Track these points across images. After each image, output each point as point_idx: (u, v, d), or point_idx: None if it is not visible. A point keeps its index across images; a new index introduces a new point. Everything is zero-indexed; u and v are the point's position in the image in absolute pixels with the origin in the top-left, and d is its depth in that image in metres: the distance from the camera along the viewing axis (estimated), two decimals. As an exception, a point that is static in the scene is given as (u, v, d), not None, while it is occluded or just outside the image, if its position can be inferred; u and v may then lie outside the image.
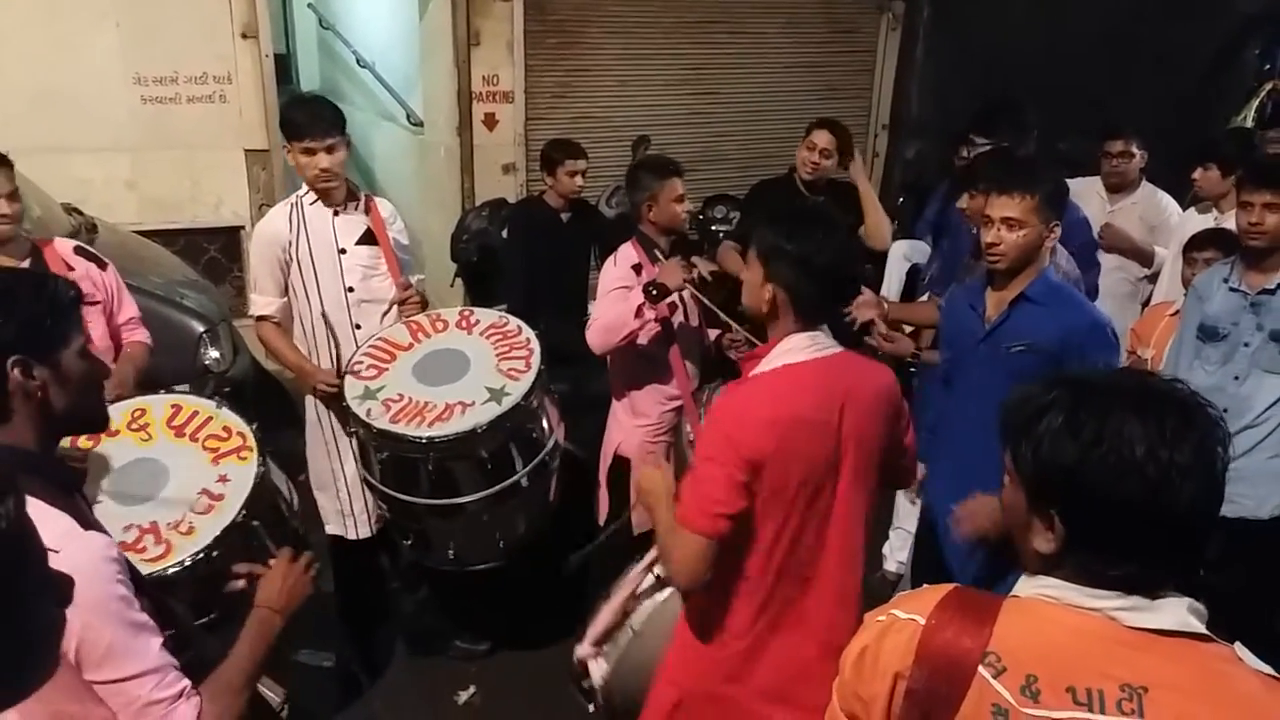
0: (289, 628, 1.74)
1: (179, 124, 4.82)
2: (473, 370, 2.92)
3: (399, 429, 2.75)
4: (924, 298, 4.10)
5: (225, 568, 2.22)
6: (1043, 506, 1.15)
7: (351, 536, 3.25)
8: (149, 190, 4.88)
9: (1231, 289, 3.11)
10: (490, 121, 5.38)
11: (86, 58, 4.59)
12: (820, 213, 2.24)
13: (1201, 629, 1.09)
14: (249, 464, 2.40)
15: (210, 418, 2.53)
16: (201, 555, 2.17)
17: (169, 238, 4.84)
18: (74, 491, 1.55)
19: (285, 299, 3.11)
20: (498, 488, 2.81)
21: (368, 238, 3.12)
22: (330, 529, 3.27)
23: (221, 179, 5.00)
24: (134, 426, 2.48)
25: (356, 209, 3.13)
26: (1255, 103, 5.77)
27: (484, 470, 2.80)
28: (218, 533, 2.21)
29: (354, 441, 3.01)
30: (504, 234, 4.66)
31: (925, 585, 1.27)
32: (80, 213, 4.20)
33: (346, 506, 3.22)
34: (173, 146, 4.85)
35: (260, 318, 3.13)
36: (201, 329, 4.02)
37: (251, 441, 2.47)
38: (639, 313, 3.04)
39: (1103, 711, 1.06)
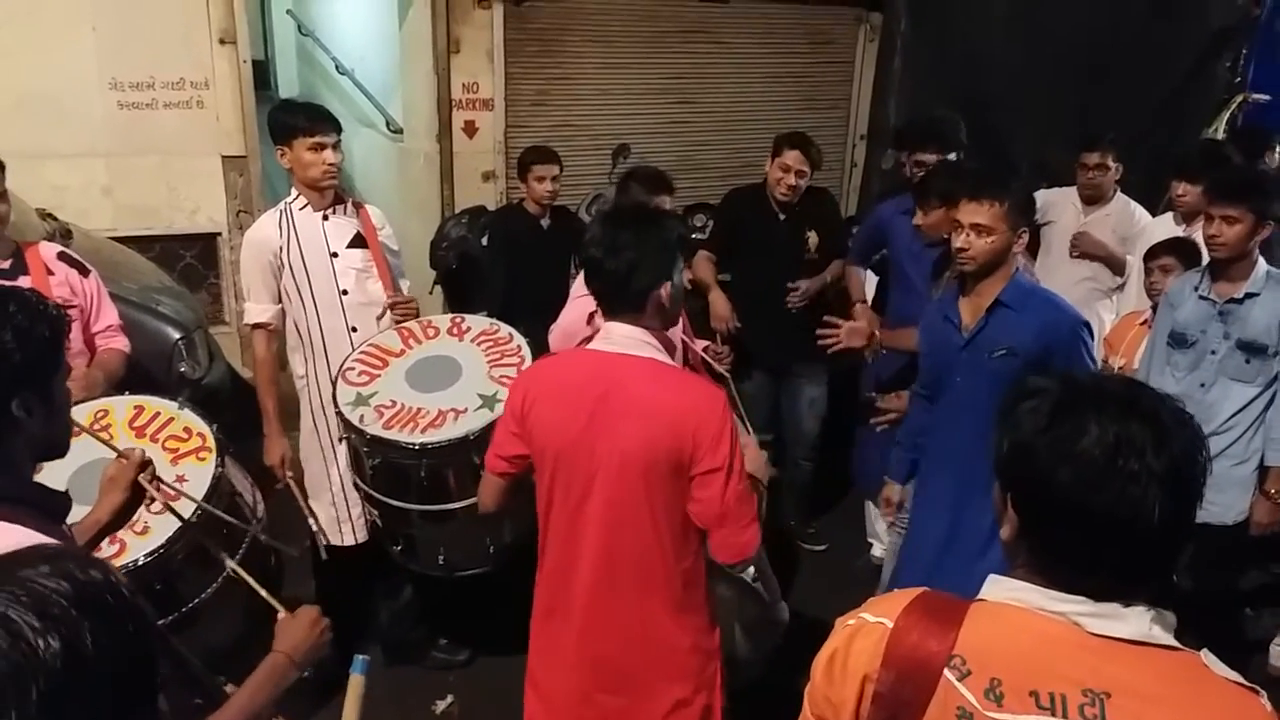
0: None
1: (155, 130, 4.78)
2: (464, 377, 2.94)
3: (392, 435, 2.77)
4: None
5: (183, 568, 2.21)
6: (1004, 489, 1.19)
7: (350, 542, 3.24)
8: (125, 196, 4.84)
9: (1201, 297, 3.16)
10: (470, 129, 5.37)
11: (62, 62, 4.55)
12: (630, 212, 2.36)
13: (1166, 640, 1.09)
14: (207, 464, 2.41)
15: (172, 419, 2.54)
16: (156, 554, 2.18)
17: (145, 244, 4.80)
18: (62, 519, 1.54)
19: (280, 306, 3.11)
20: None
21: (358, 241, 3.15)
22: (322, 539, 3.24)
23: (198, 185, 4.96)
24: (96, 427, 2.48)
25: (345, 213, 3.14)
26: (1226, 114, 5.87)
27: (476, 477, 2.79)
28: (171, 533, 2.21)
29: (346, 447, 3.02)
30: (484, 241, 4.66)
31: (896, 590, 1.28)
32: (55, 218, 4.17)
33: (343, 512, 3.22)
34: (149, 152, 4.82)
35: (255, 326, 3.13)
36: (177, 336, 3.99)
37: (211, 442, 2.48)
38: (590, 319, 3.07)
39: (1065, 716, 1.07)
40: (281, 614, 1.79)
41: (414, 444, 2.75)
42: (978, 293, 2.71)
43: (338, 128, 3.07)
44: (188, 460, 2.43)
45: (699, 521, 2.00)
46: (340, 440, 3.06)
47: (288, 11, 8.18)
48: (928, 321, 2.99)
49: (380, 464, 2.86)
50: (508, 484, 2.23)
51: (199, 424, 2.53)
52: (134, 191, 4.85)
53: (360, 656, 1.78)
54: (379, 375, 2.97)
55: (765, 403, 4.20)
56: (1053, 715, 1.07)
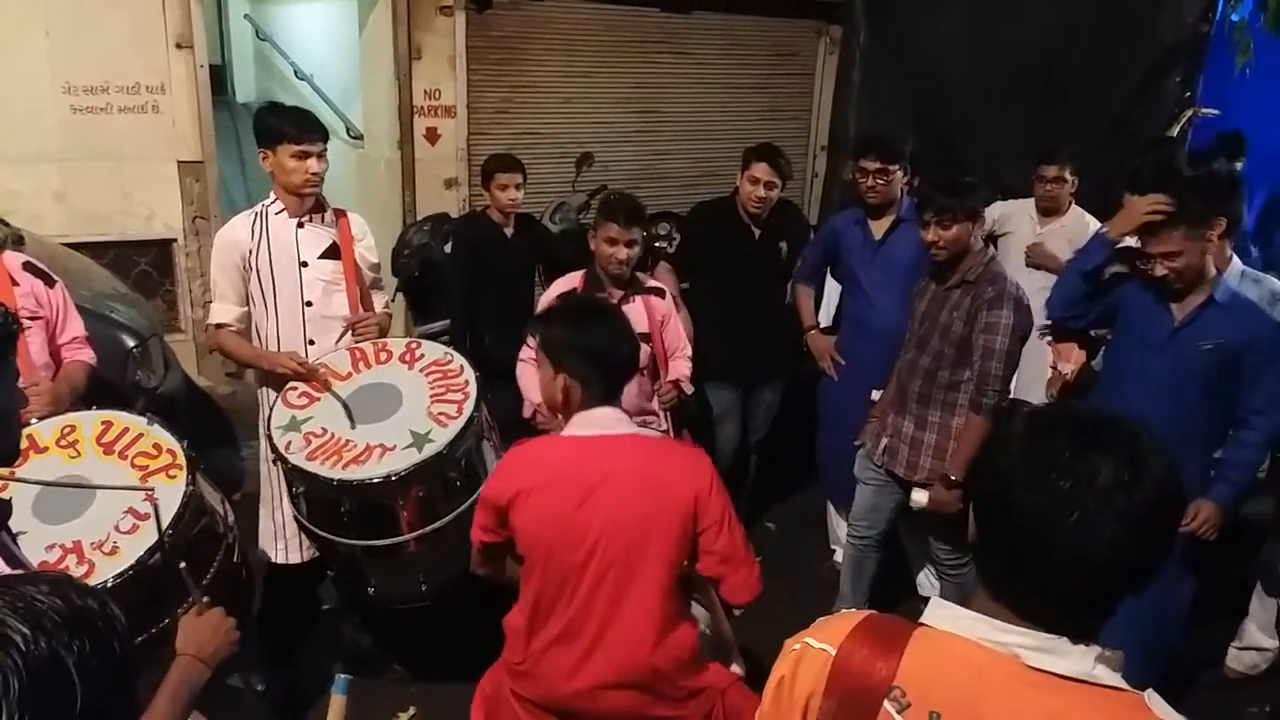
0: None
1: (110, 135, 4.70)
2: (403, 410, 2.85)
3: (312, 468, 2.69)
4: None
5: (154, 589, 2.17)
6: (967, 499, 1.19)
7: (280, 560, 3.16)
8: (78, 202, 4.75)
9: None
10: (432, 135, 5.35)
11: (14, 66, 4.46)
12: (595, 305, 2.42)
13: (1110, 680, 1.08)
14: (177, 482, 2.36)
15: (141, 435, 2.48)
16: (125, 576, 2.13)
17: (98, 250, 4.71)
18: (2, 521, 1.50)
19: (245, 308, 3.06)
20: (415, 534, 2.76)
21: (332, 252, 3.07)
22: (260, 549, 3.19)
23: (153, 191, 4.88)
24: (63, 443, 2.43)
25: (323, 221, 3.07)
26: (1176, 129, 6.00)
27: (398, 516, 2.74)
28: (140, 553, 2.17)
29: (278, 469, 2.94)
30: (446, 249, 4.63)
31: (844, 610, 1.27)
32: (7, 224, 4.07)
33: (280, 529, 3.14)
34: (103, 157, 4.73)
35: (217, 325, 3.06)
36: (132, 344, 3.91)
37: (181, 459, 2.42)
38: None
39: None
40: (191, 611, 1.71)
41: (333, 480, 2.67)
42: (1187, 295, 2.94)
43: (325, 136, 3.00)
44: (157, 478, 2.37)
45: (711, 573, 2.11)
46: (273, 461, 2.96)
47: (245, 16, 8.09)
48: (1133, 300, 3.09)
49: (305, 493, 2.81)
50: (492, 555, 2.26)
51: (169, 440, 2.47)
52: (87, 197, 4.76)
53: (342, 676, 1.76)
54: (318, 399, 2.90)
55: (733, 420, 4.20)
56: None
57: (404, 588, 2.94)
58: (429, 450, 2.70)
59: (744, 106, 6.25)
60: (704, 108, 6.15)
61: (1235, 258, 3.23)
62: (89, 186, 4.75)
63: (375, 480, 2.66)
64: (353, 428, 2.83)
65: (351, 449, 2.74)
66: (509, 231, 4.15)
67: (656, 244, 5.26)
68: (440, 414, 2.81)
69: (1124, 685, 1.08)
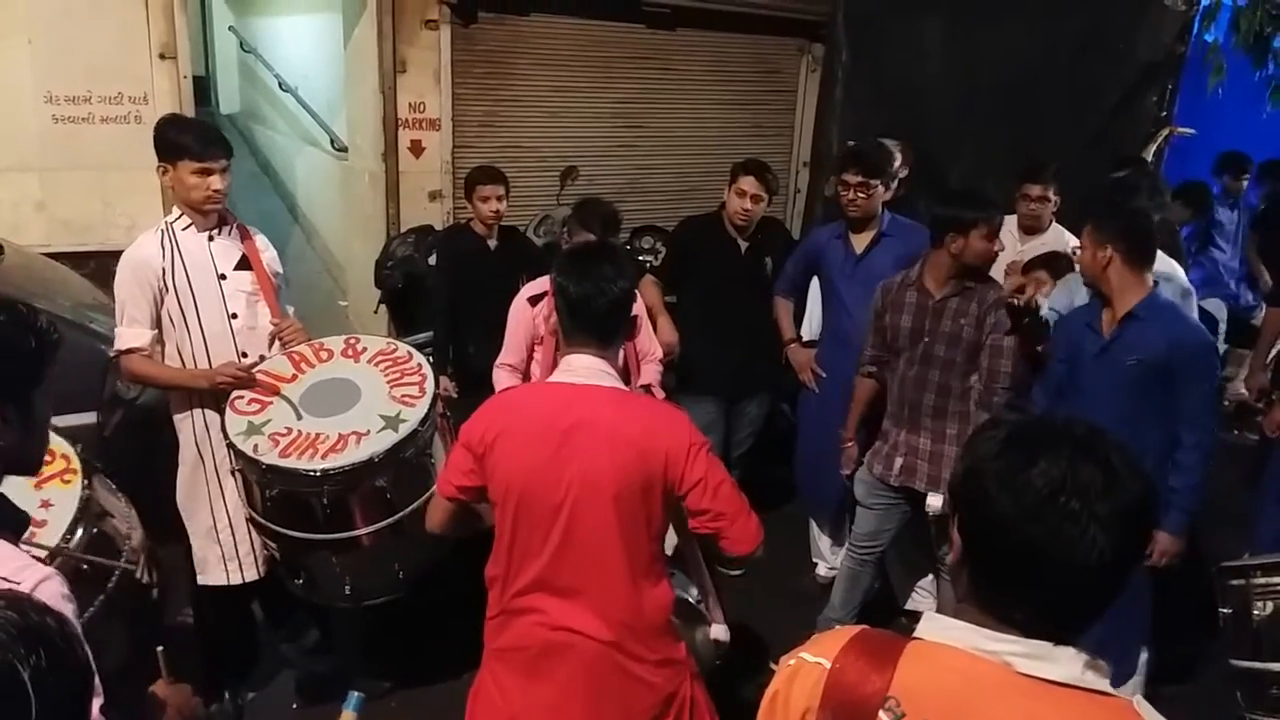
0: None
1: (92, 144, 4.68)
2: (364, 399, 2.87)
3: (290, 464, 2.68)
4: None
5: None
6: (953, 511, 1.20)
7: (236, 581, 3.11)
8: (59, 211, 4.73)
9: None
10: (416, 148, 5.35)
11: (-5, 74, 4.45)
12: (597, 251, 2.36)
13: (1098, 685, 1.10)
14: (73, 486, 2.34)
15: None
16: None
17: (79, 260, 4.68)
18: (19, 536, 1.51)
19: (155, 331, 2.94)
20: (396, 517, 2.76)
21: (244, 264, 3.02)
22: (206, 579, 3.12)
23: (135, 201, 4.86)
24: None
25: (231, 234, 3.02)
26: (1154, 146, 6.09)
27: (381, 500, 2.75)
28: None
29: (238, 479, 2.89)
30: (430, 261, 4.64)
31: (837, 627, 1.29)
32: (-14, 233, 4.06)
33: (229, 550, 3.09)
34: (85, 167, 4.71)
35: (127, 351, 2.93)
36: (111, 354, 3.89)
37: (76, 463, 2.40)
38: (547, 319, 3.18)
39: None
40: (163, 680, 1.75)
41: (315, 470, 2.66)
42: (1113, 305, 3.02)
43: (228, 152, 2.93)
44: (52, 484, 2.34)
45: (708, 530, 2.09)
46: (232, 472, 2.92)
47: (230, 28, 8.09)
48: (1067, 326, 3.21)
49: (277, 495, 2.76)
50: (457, 509, 2.22)
51: (62, 445, 2.43)
52: (68, 206, 4.74)
53: (355, 693, 1.77)
54: (270, 402, 2.86)
55: (716, 433, 4.21)
56: None
57: (381, 581, 2.93)
58: (405, 429, 2.74)
59: (727, 123, 6.29)
60: (688, 123, 6.19)
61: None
62: (70, 196, 4.73)
63: (359, 464, 2.66)
64: (317, 422, 2.81)
65: (325, 440, 2.73)
66: (492, 244, 4.16)
67: (640, 257, 5.28)
68: (404, 396, 2.86)
69: (1112, 690, 1.11)
